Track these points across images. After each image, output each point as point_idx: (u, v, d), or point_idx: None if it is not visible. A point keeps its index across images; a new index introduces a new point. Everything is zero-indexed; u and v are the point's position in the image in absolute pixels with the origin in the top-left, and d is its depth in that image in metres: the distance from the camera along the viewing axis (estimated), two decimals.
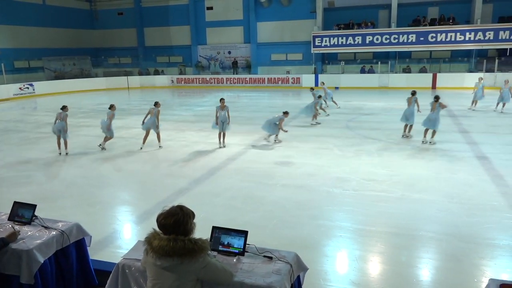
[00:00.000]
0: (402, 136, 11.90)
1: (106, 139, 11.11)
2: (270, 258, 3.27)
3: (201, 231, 2.98)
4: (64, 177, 8.85)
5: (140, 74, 32.88)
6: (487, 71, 24.73)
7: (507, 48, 25.01)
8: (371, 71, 27.65)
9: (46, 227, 3.92)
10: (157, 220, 2.77)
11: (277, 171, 8.87)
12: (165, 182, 8.36)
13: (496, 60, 24.83)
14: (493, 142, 11.03)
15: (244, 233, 3.34)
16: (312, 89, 16.48)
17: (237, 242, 3.32)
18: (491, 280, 3.10)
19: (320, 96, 15.39)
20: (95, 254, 4.86)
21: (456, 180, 7.98)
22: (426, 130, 11.06)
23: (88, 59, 32.47)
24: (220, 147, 11.06)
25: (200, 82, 31.05)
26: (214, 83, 30.67)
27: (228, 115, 11.11)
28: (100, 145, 11.12)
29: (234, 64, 31.59)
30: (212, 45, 32.67)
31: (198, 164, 9.61)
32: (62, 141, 10.66)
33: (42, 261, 3.65)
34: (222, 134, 11.18)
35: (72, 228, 4.04)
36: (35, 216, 4.03)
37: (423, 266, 5.04)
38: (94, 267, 4.31)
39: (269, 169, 8.98)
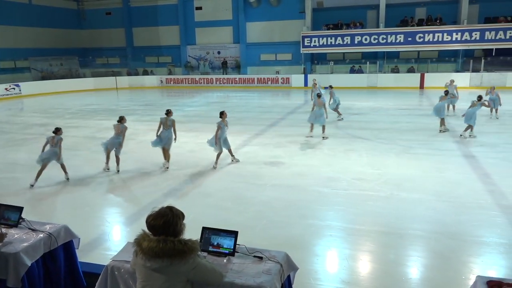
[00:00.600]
0: (440, 131, 12.45)
1: (118, 160, 9.11)
2: (260, 258, 3.28)
3: (191, 232, 2.96)
4: (51, 178, 8.72)
5: (129, 74, 32.63)
6: (473, 71, 25.08)
7: (492, 48, 25.39)
8: (360, 71, 27.85)
9: (33, 230, 3.87)
10: (147, 221, 2.75)
11: (267, 171, 8.88)
12: (155, 183, 8.31)
13: (482, 60, 25.19)
14: (480, 141, 11.17)
15: (234, 234, 3.34)
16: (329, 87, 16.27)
17: (227, 243, 3.32)
18: (478, 277, 3.15)
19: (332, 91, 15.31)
20: (84, 256, 4.81)
21: (444, 179, 8.07)
22: (468, 126, 11.69)
23: (75, 59, 32.12)
24: (230, 162, 9.56)
25: (190, 82, 30.94)
26: (204, 83, 30.59)
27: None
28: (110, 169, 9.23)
29: (224, 64, 31.54)
30: (201, 45, 32.57)
31: (188, 164, 9.56)
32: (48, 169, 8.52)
33: (30, 264, 3.61)
34: (229, 150, 9.58)
35: (60, 230, 3.99)
36: (22, 218, 3.97)
37: (412, 264, 5.09)
38: (83, 270, 4.26)
39: (259, 170, 8.98)
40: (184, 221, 2.83)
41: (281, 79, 28.67)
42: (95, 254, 5.28)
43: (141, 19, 33.22)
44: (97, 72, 31.97)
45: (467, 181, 7.90)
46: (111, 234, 6.15)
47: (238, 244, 3.37)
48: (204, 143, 10.21)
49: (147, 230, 2.76)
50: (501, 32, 24.51)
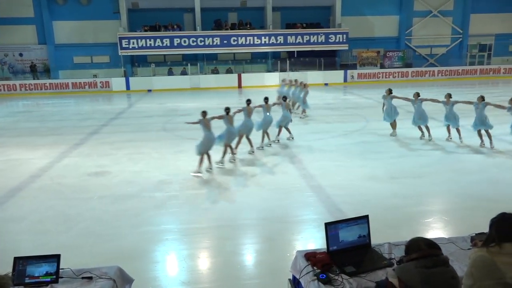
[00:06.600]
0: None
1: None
2: (90, 278, 3.00)
3: (1, 266, 2.50)
4: None
5: None
6: (281, 70, 28.28)
7: (294, 51, 29.13)
8: (182, 73, 28.27)
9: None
10: None
11: (91, 183, 8.19)
12: None
13: (288, 61, 28.66)
14: (294, 132, 12.56)
15: (55, 258, 2.96)
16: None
17: (48, 269, 2.92)
18: (298, 252, 3.57)
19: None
20: None
21: (266, 169, 8.85)
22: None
23: None
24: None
25: None
26: (4, 90, 26.16)
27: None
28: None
29: (33, 68, 27.56)
30: None
31: None
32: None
33: None
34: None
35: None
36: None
37: (246, 251, 5.45)
38: None
39: (82, 182, 8.21)
40: None
41: (100, 83, 26.83)
42: None
43: None
44: None
45: (285, 169, 8.85)
46: None
47: (62, 268, 3.02)
48: (11, 160, 8.83)
49: None
50: (299, 37, 28.34)
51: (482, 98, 9.92)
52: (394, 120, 11.50)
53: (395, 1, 30.44)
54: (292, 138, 11.35)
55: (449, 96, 10.53)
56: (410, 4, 30.41)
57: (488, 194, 6.97)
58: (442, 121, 10.79)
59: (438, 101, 10.76)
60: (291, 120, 11.56)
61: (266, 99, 10.92)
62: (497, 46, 31.75)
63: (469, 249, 3.43)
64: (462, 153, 9.66)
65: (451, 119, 10.47)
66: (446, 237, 3.98)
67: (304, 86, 14.82)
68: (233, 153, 9.37)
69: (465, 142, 10.40)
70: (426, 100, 10.78)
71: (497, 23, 31.20)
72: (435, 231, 5.76)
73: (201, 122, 8.51)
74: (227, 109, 9.19)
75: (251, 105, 10.16)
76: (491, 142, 9.89)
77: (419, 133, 11.13)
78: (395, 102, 11.52)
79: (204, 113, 8.57)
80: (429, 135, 10.89)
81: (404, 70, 29.01)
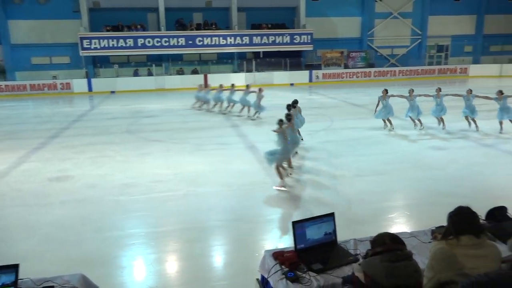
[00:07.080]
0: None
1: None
2: (51, 287, 2.88)
3: None
4: None
5: None
6: (247, 71, 28.34)
7: (260, 51, 29.26)
8: (149, 74, 27.78)
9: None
10: None
11: (52, 188, 7.89)
12: None
13: (254, 62, 28.75)
14: (258, 132, 12.66)
15: (13, 268, 2.83)
16: None
17: (4, 281, 2.79)
18: (266, 251, 3.58)
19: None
20: None
21: (232, 169, 8.83)
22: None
23: None
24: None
25: None
26: None
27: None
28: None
29: None
30: None
31: None
32: None
33: None
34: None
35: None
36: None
37: (215, 253, 5.42)
38: None
39: (42, 188, 7.90)
40: None
41: (60, 84, 25.91)
42: None
43: None
44: None
45: (251, 168, 8.85)
46: None
47: (21, 279, 2.89)
48: None
49: None
50: (265, 37, 28.49)
51: (470, 91, 11.75)
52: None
53: (357, 3, 31.20)
54: None
55: (439, 90, 12.07)
56: (372, 5, 31.26)
57: (446, 189, 7.25)
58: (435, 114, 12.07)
59: (429, 95, 12.22)
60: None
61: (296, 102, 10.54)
62: (453, 47, 33.19)
63: (429, 242, 3.55)
64: (423, 150, 10.03)
65: (439, 111, 11.99)
66: (409, 231, 4.11)
67: (259, 90, 14.95)
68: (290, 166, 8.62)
69: (426, 133, 10.88)
70: (420, 95, 12.12)
71: (454, 25, 32.62)
72: (398, 226, 5.94)
73: (280, 132, 7.58)
74: (290, 116, 8.26)
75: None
76: (476, 126, 11.66)
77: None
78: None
79: (281, 122, 7.70)
80: (421, 125, 12.14)
81: (367, 70, 29.79)
